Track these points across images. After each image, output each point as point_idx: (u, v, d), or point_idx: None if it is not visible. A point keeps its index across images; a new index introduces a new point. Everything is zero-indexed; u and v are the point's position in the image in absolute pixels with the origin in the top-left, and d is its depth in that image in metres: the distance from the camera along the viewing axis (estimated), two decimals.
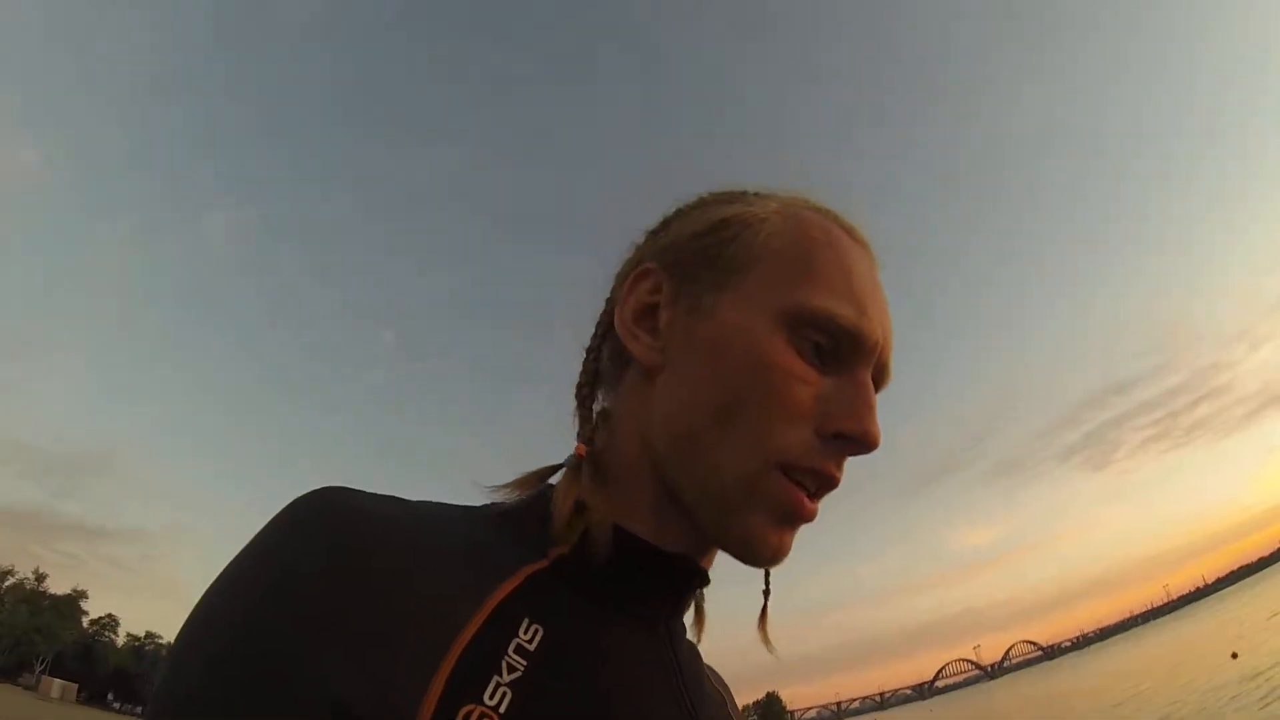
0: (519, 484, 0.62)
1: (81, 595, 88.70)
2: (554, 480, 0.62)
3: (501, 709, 0.44)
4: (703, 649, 0.70)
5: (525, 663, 0.47)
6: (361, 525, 0.47)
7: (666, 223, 0.70)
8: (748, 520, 0.57)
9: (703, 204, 0.69)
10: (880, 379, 0.63)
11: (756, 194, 0.68)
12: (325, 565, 0.44)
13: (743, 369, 0.57)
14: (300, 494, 0.49)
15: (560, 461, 0.63)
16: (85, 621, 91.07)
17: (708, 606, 0.71)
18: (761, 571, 0.69)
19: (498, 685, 0.45)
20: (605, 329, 0.69)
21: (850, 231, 0.65)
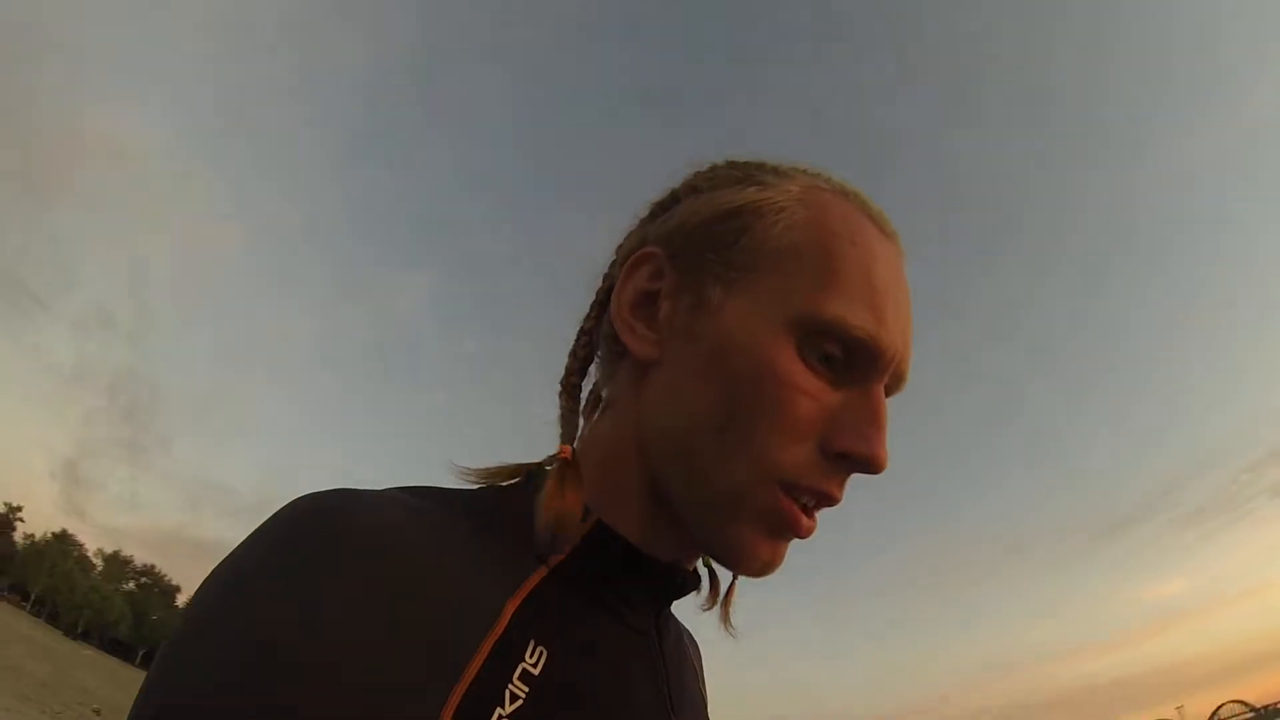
0: (493, 474, 0.60)
1: None
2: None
3: None
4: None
5: (527, 689, 0.46)
6: (370, 539, 0.44)
7: (675, 197, 0.65)
8: (737, 530, 0.55)
9: (714, 182, 0.63)
10: (894, 387, 0.59)
11: (776, 171, 0.62)
12: (335, 586, 0.41)
13: (746, 378, 0.53)
14: (297, 497, 0.46)
15: (536, 461, 0.61)
16: None
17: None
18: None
19: (500, 717, 0.44)
20: (601, 310, 0.66)
21: (878, 220, 0.60)
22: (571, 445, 0.59)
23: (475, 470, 0.59)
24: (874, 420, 0.54)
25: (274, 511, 0.45)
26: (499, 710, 0.44)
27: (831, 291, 0.54)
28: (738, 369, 0.54)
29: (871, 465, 0.54)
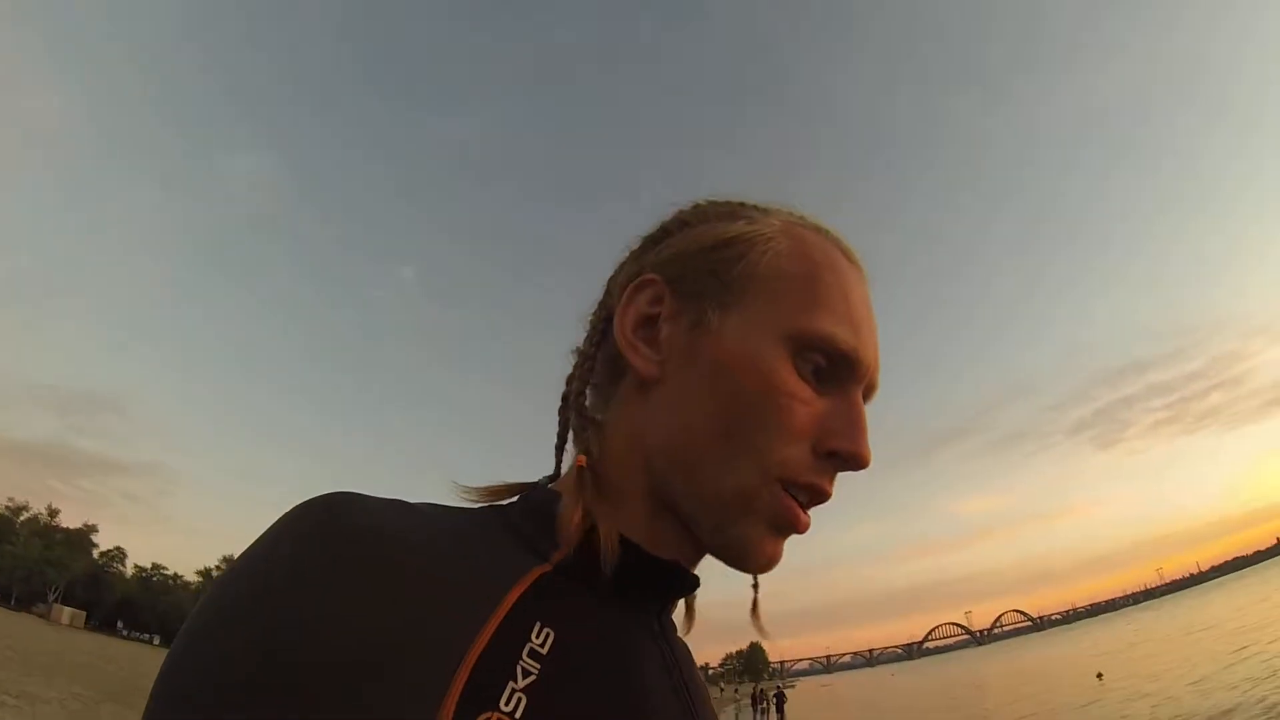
0: (491, 492, 0.64)
1: (92, 530, 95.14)
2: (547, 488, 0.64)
3: (518, 715, 0.44)
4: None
5: (539, 666, 0.47)
6: (372, 537, 0.46)
7: (666, 231, 0.70)
8: (746, 530, 0.59)
9: (704, 217, 0.69)
10: (868, 395, 0.66)
11: (757, 209, 0.69)
12: (340, 581, 0.42)
13: (748, 389, 0.58)
14: (307, 499, 0.49)
15: (532, 481, 0.67)
16: (95, 554, 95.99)
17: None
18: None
19: (513, 691, 0.45)
20: (600, 335, 0.69)
21: (847, 254, 0.67)
22: (586, 456, 0.62)
23: (475, 489, 0.63)
24: (858, 423, 0.61)
25: (282, 513, 0.47)
26: (512, 684, 0.45)
27: (818, 311, 0.60)
28: (740, 381, 0.59)
29: (858, 462, 0.60)
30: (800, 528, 0.60)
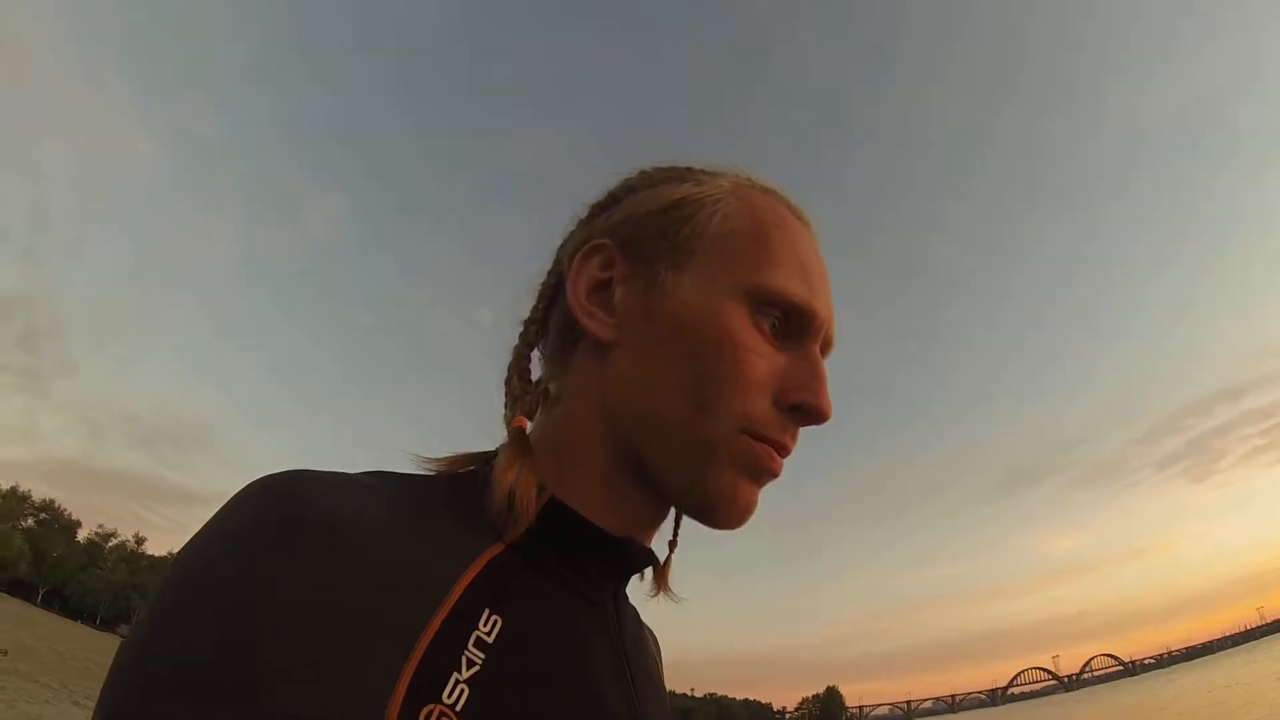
0: (451, 462, 0.63)
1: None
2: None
3: (458, 707, 0.44)
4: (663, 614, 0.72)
5: (484, 656, 0.47)
6: (327, 521, 0.45)
7: (614, 198, 0.70)
8: (719, 476, 0.59)
9: (652, 181, 0.69)
10: (825, 350, 0.66)
11: (705, 172, 0.70)
12: (294, 565, 0.42)
13: (709, 345, 0.59)
14: (260, 476, 0.48)
15: (490, 449, 0.64)
16: None
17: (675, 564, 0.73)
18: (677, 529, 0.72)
19: (456, 682, 0.45)
20: (549, 302, 0.70)
21: (796, 212, 0.68)
22: (528, 419, 0.63)
23: (433, 460, 0.62)
24: (818, 376, 0.62)
25: (232, 494, 0.47)
26: (455, 675, 0.45)
27: (771, 267, 0.61)
28: (700, 337, 0.59)
29: (819, 415, 0.61)
30: (776, 470, 0.61)
